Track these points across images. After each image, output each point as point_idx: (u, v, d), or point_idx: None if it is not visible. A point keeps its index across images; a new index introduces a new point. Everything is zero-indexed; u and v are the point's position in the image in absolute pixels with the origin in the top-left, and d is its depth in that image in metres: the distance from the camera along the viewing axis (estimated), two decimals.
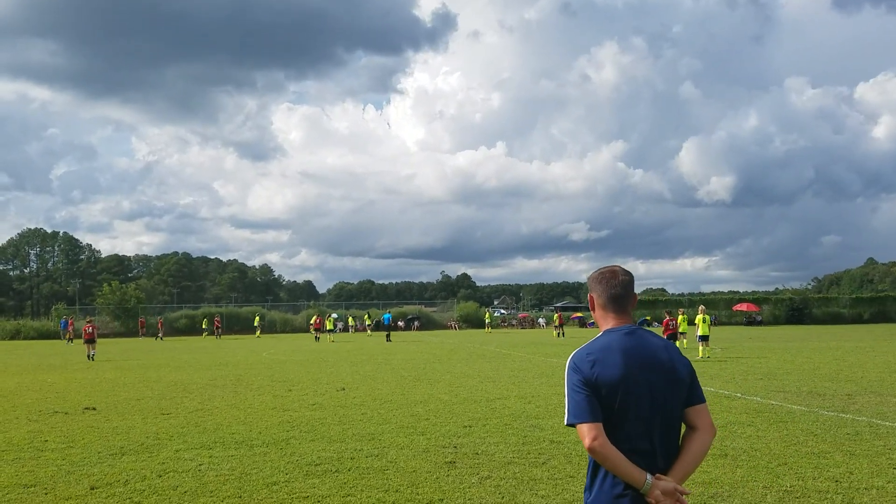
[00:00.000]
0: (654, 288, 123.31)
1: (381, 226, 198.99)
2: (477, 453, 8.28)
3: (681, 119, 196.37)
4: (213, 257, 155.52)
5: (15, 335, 57.03)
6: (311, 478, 7.30)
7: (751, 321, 62.23)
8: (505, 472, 7.35)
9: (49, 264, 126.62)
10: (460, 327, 64.31)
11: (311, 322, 46.99)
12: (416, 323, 64.02)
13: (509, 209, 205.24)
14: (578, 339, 32.51)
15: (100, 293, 65.85)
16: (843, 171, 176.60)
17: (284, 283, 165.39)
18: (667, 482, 2.70)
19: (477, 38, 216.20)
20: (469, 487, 6.81)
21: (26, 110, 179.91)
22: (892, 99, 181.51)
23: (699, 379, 2.95)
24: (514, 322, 70.86)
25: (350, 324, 60.24)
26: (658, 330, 35.78)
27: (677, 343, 24.71)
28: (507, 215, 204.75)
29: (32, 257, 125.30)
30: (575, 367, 2.82)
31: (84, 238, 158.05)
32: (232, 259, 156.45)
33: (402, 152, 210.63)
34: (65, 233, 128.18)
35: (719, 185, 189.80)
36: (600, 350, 2.82)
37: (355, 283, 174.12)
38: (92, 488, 7.03)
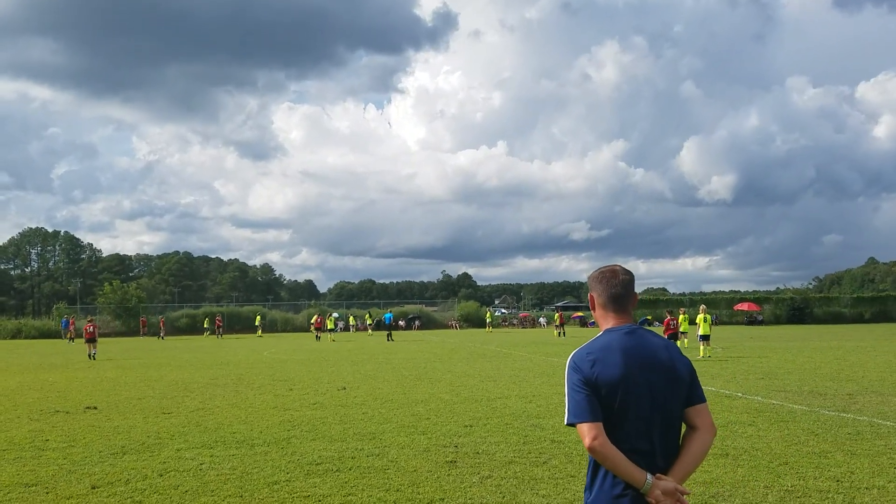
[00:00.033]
0: (654, 287, 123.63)
1: (381, 225, 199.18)
2: (478, 452, 8.29)
3: (682, 118, 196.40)
4: (213, 257, 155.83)
5: (16, 334, 57.09)
6: (312, 477, 7.30)
7: (752, 321, 62.22)
8: (506, 472, 7.35)
9: (50, 263, 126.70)
10: (461, 327, 64.33)
11: (312, 321, 47.01)
12: (416, 322, 64.04)
13: (510, 208, 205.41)
14: (579, 339, 32.50)
15: (101, 292, 65.92)
16: (845, 170, 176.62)
17: (285, 282, 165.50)
18: (667, 482, 2.70)
19: (478, 38, 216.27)
20: (470, 487, 6.81)
21: (27, 109, 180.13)
22: (894, 98, 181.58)
23: (700, 378, 2.95)
24: (514, 321, 70.85)
25: (351, 323, 60.29)
26: (659, 329, 35.79)
27: (678, 342, 24.71)
28: (507, 215, 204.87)
29: (33, 256, 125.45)
30: (575, 367, 2.81)
31: (85, 237, 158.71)
32: (233, 258, 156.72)
33: (402, 151, 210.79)
34: (66, 232, 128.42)
35: (720, 184, 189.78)
36: (600, 349, 2.82)
37: (356, 282, 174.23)
38: (93, 487, 7.03)
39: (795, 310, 65.27)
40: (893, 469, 7.26)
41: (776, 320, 63.82)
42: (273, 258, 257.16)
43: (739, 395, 13.13)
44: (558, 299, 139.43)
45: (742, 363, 20.32)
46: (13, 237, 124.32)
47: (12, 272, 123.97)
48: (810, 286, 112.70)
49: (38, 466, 8.00)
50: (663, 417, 2.78)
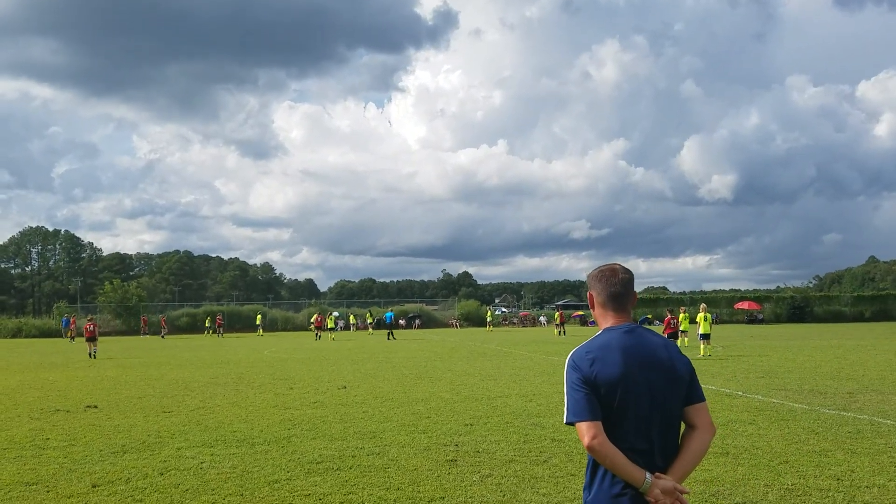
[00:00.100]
0: (655, 286, 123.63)
1: (382, 224, 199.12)
2: (478, 451, 8.29)
3: (682, 117, 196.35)
4: (214, 255, 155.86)
5: (16, 333, 57.10)
6: (313, 476, 7.31)
7: (752, 319, 62.23)
8: (506, 470, 7.35)
9: (51, 262, 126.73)
10: (461, 325, 64.33)
11: (312, 320, 46.99)
12: (417, 321, 64.04)
13: (510, 207, 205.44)
14: (579, 338, 32.50)
15: (101, 291, 65.95)
16: (845, 169, 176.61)
17: (286, 281, 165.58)
18: (666, 481, 2.70)
19: (478, 36, 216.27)
20: (470, 485, 6.82)
21: (28, 108, 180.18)
22: (894, 97, 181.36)
23: (699, 377, 2.95)
24: (515, 320, 70.85)
25: (351, 322, 60.29)
26: (659, 328, 35.79)
27: (679, 341, 24.71)
28: (508, 213, 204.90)
29: (34, 255, 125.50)
30: (574, 366, 2.82)
31: (85, 236, 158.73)
32: (233, 257, 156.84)
33: (403, 150, 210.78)
34: (66, 231, 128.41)
35: (721, 183, 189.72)
36: (599, 348, 2.82)
37: (356, 281, 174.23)
38: (93, 486, 7.04)
39: (796, 308, 65.28)
40: (894, 467, 7.26)
41: (776, 319, 63.83)
42: (273, 257, 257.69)
43: (740, 393, 13.14)
44: (558, 298, 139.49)
45: (742, 362, 20.31)
46: (14, 236, 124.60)
47: (13, 271, 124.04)
48: (811, 285, 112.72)
49: (39, 465, 8.00)
50: (662, 416, 2.78)
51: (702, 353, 22.68)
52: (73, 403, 13.20)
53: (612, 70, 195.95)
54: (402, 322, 61.43)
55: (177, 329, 59.01)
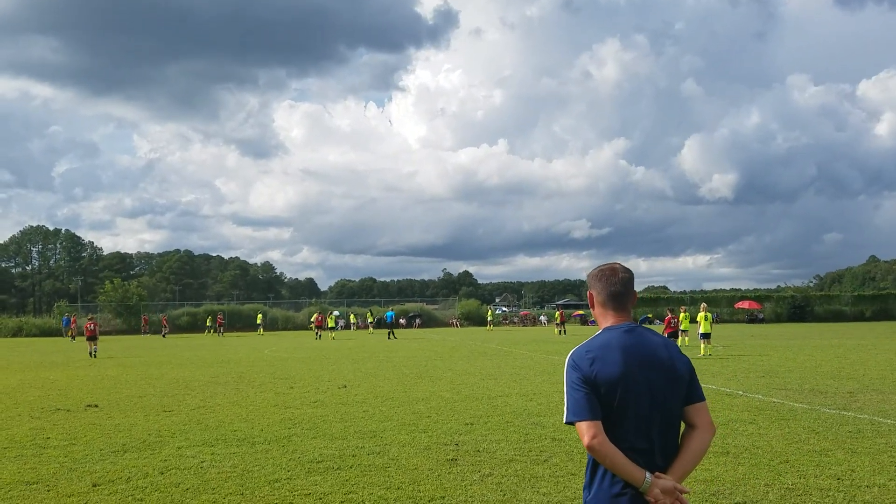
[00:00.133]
0: (655, 285, 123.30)
1: (382, 223, 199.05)
2: (478, 451, 8.29)
3: (683, 116, 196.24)
4: (214, 255, 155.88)
5: (17, 332, 57.08)
6: (313, 475, 7.31)
7: (753, 319, 62.21)
8: (506, 470, 7.35)
9: (51, 262, 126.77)
10: (462, 325, 64.31)
11: (313, 320, 46.99)
12: (417, 320, 64.03)
13: (511, 206, 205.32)
14: (580, 337, 32.51)
15: (102, 290, 65.91)
16: (846, 168, 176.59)
17: (286, 280, 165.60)
18: (666, 480, 2.70)
19: (479, 36, 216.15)
20: (471, 485, 6.82)
21: (28, 108, 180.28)
22: (895, 96, 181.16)
23: (700, 377, 2.95)
24: (515, 320, 70.84)
25: (352, 321, 60.31)
26: (660, 328, 35.80)
27: (679, 341, 24.72)
28: (508, 213, 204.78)
29: (34, 255, 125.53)
30: (574, 365, 2.81)
31: (86, 235, 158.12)
32: (234, 256, 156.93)
33: (403, 150, 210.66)
34: (67, 230, 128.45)
35: (721, 182, 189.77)
36: (599, 348, 2.82)
37: (357, 280, 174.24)
38: (94, 485, 7.04)
39: (796, 308, 65.25)
40: (894, 467, 7.25)
41: (777, 318, 63.81)
42: (274, 256, 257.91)
43: (740, 393, 13.13)
44: (559, 297, 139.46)
45: (743, 361, 20.31)
46: (14, 235, 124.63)
47: (13, 270, 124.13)
48: (811, 284, 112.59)
49: (40, 464, 8.01)
50: (662, 416, 2.78)
51: (702, 352, 22.68)
52: (74, 402, 13.21)
53: (612, 69, 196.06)
54: (402, 321, 61.44)
55: (177, 328, 59.00)
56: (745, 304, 64.09)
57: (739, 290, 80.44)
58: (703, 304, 24.95)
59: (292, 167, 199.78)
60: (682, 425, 2.89)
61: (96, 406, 12.63)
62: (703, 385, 2.93)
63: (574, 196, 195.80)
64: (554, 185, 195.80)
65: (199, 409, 12.12)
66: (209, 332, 54.51)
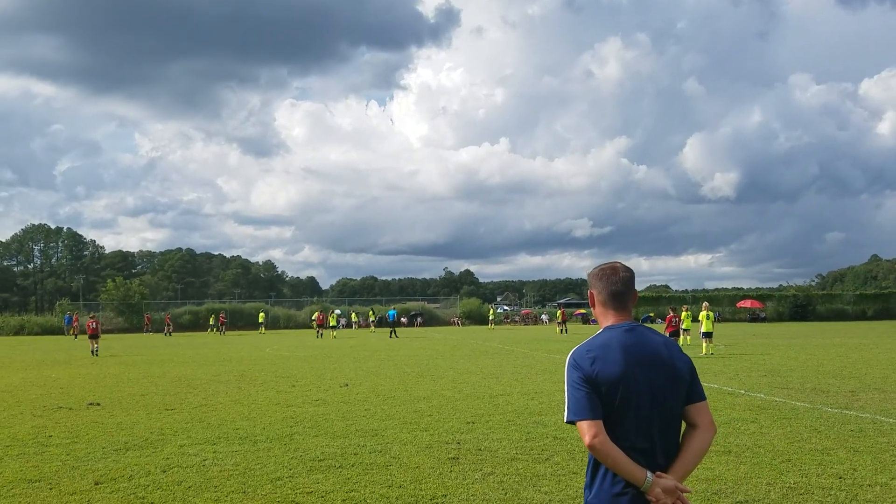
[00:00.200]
0: (657, 284, 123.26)
1: (384, 222, 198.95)
2: (480, 449, 8.30)
3: (685, 115, 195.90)
4: (216, 253, 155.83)
5: (19, 331, 57.14)
6: (315, 473, 7.32)
7: (754, 318, 62.16)
8: (508, 469, 7.36)
9: (53, 260, 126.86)
10: (463, 324, 64.32)
11: (314, 318, 47.02)
12: (418, 319, 64.06)
13: (512, 205, 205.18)
14: (581, 336, 32.49)
15: (103, 289, 65.99)
16: (848, 167, 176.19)
17: (287, 279, 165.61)
18: (667, 480, 2.70)
19: (480, 34, 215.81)
20: (472, 483, 6.82)
21: (30, 106, 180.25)
22: None
23: (702, 376, 2.95)
24: (516, 318, 70.86)
25: (353, 320, 60.35)
26: (661, 327, 35.79)
27: (680, 340, 24.72)
28: (510, 212, 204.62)
29: (36, 253, 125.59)
30: (575, 364, 2.82)
31: (88, 234, 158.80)
32: (235, 255, 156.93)
33: (405, 148, 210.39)
34: (69, 228, 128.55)
35: (723, 181, 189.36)
36: (600, 347, 2.82)
37: (358, 279, 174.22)
38: (96, 483, 7.06)
39: (798, 307, 65.21)
40: None
41: (779, 317, 63.78)
42: (275, 255, 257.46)
43: (742, 392, 13.13)
44: (560, 296, 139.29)
45: (745, 360, 20.31)
46: (16, 233, 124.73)
47: (15, 269, 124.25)
48: (813, 283, 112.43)
49: (42, 462, 8.02)
50: (663, 415, 2.78)
51: (704, 351, 22.68)
52: (76, 401, 13.23)
53: (614, 68, 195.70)
54: (403, 320, 61.46)
55: (179, 327, 59.01)
56: (746, 303, 64.05)
57: (741, 289, 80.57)
58: (705, 304, 24.93)
59: (294, 166, 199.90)
60: (683, 424, 2.89)
61: (98, 404, 12.65)
62: (704, 384, 2.93)
63: (576, 195, 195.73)
64: (555, 184, 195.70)
65: (201, 407, 12.14)
66: (211, 330, 54.59)
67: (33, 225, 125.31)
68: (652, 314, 60.72)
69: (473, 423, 10.10)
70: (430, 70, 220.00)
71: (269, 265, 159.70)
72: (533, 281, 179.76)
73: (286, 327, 62.26)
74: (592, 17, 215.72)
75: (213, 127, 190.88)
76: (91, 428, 10.18)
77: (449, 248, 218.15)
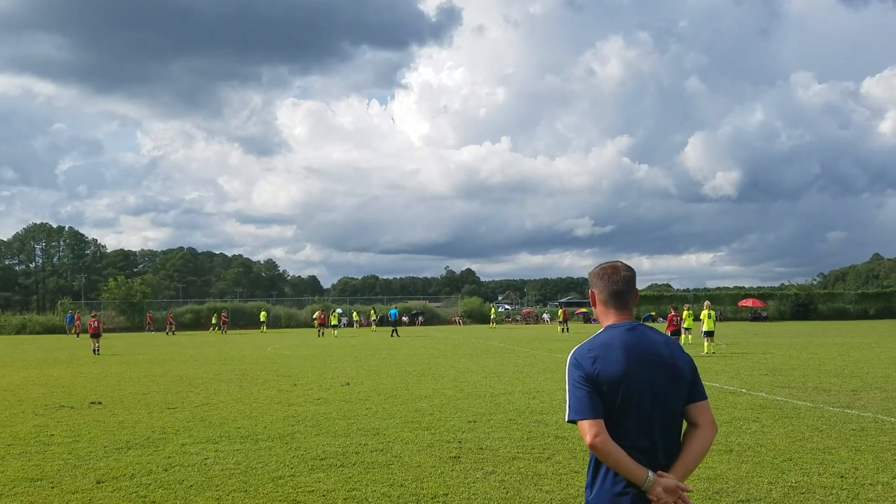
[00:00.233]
0: (658, 283, 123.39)
1: (385, 221, 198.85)
2: (481, 448, 8.30)
3: (686, 114, 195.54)
4: (218, 252, 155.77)
5: (21, 330, 57.18)
6: (317, 472, 7.32)
7: (756, 317, 62.15)
8: (509, 468, 7.36)
9: (54, 259, 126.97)
10: (464, 323, 64.35)
11: (315, 317, 47.04)
12: (420, 318, 64.09)
13: (513, 204, 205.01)
14: (583, 335, 32.48)
15: (105, 288, 66.08)
16: (849, 166, 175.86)
17: (289, 278, 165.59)
18: (668, 479, 2.70)
19: (481, 33, 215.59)
20: (474, 482, 6.83)
21: (31, 105, 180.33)
22: None
23: (703, 375, 2.95)
24: (518, 317, 70.89)
25: (355, 319, 60.38)
26: (662, 326, 35.79)
27: (682, 339, 24.72)
28: (511, 211, 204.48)
29: (38, 252, 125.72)
30: (576, 364, 2.82)
31: (89, 233, 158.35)
32: (237, 254, 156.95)
33: (406, 147, 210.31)
34: (70, 227, 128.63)
35: (725, 180, 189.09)
36: (601, 346, 2.81)
37: (359, 278, 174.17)
38: (98, 482, 7.06)
39: (800, 306, 65.19)
40: None
41: (780, 316, 63.77)
42: (277, 254, 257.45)
43: (743, 391, 13.12)
44: (562, 295, 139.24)
45: (746, 359, 20.29)
46: (18, 232, 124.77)
47: (17, 267, 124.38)
48: (815, 282, 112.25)
49: (43, 461, 8.03)
50: (664, 414, 2.78)
51: (705, 350, 22.67)
52: (78, 400, 13.24)
53: (615, 67, 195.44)
54: (405, 319, 61.48)
55: (181, 326, 59.00)
56: (748, 302, 63.99)
57: (743, 287, 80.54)
58: (707, 302, 24.93)
59: (295, 165, 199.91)
60: (685, 424, 2.89)
61: (100, 403, 12.66)
62: (706, 383, 2.93)
63: (577, 194, 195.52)
64: (557, 183, 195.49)
65: (203, 406, 12.15)
66: (213, 329, 54.62)
67: (35, 224, 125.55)
68: (653, 313, 60.70)
69: (475, 421, 10.10)
70: (431, 69, 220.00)
71: (271, 264, 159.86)
72: (534, 280, 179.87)
73: (287, 326, 62.29)
74: (594, 16, 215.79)
75: (215, 126, 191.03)
76: (93, 427, 10.19)
77: (450, 247, 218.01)
